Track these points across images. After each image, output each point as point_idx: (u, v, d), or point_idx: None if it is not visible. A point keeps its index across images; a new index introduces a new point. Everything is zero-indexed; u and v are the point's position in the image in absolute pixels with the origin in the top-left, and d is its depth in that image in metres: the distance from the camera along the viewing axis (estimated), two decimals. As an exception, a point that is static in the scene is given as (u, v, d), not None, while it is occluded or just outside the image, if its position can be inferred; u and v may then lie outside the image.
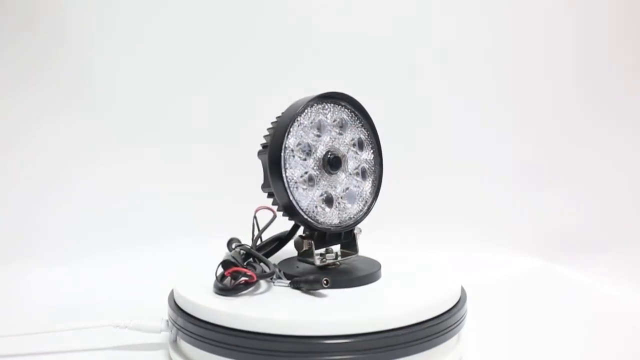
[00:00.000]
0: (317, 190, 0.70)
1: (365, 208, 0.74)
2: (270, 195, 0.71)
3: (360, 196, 0.74)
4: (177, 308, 0.67)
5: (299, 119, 0.69)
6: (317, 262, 0.70)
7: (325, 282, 0.63)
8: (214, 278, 0.67)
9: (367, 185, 0.74)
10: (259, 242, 0.76)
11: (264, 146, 0.70)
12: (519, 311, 0.88)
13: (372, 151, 0.75)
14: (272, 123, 0.71)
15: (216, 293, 0.65)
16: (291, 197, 0.68)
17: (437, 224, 1.09)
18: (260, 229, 0.75)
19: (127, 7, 1.09)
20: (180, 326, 0.66)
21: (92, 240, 1.05)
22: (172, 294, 0.70)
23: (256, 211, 0.73)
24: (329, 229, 0.71)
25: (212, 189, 1.10)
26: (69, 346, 0.73)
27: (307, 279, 0.65)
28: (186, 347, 0.67)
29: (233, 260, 0.68)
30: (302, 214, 0.69)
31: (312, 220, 0.69)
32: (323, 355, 0.59)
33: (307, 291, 0.65)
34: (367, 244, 0.76)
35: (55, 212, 1.07)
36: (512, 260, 1.05)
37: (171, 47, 1.11)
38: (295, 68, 1.11)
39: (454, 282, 0.70)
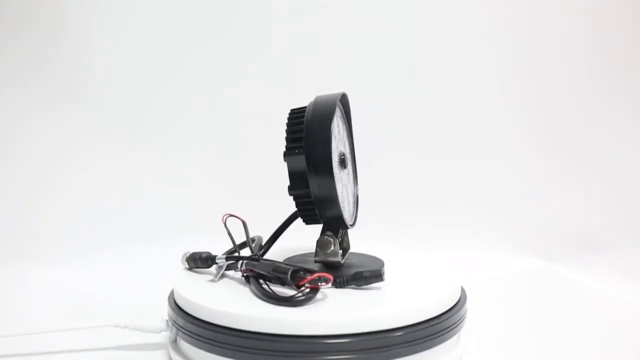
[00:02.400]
0: (341, 188, 0.71)
1: (356, 205, 0.76)
2: (297, 197, 0.68)
3: (352, 194, 0.76)
4: (177, 308, 0.67)
5: (333, 117, 0.69)
6: (342, 260, 0.71)
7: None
8: (259, 291, 0.64)
9: (351, 183, 0.76)
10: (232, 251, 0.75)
11: (296, 147, 0.67)
12: (519, 311, 0.88)
13: (349, 149, 0.77)
14: (291, 125, 0.68)
15: (285, 306, 0.62)
16: (340, 196, 0.67)
17: (437, 223, 1.09)
18: (246, 238, 0.74)
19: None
20: (180, 326, 0.65)
21: (92, 240, 1.05)
22: (172, 294, 0.70)
23: (225, 220, 0.71)
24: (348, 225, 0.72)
25: (212, 189, 1.10)
26: (69, 346, 0.73)
27: (362, 275, 0.65)
28: (186, 347, 0.67)
29: (298, 267, 0.65)
30: (343, 212, 0.69)
31: (345, 218, 0.70)
32: (323, 355, 0.59)
33: (358, 287, 0.65)
34: (366, 243, 0.76)
35: (56, 212, 1.07)
36: (512, 260, 1.05)
37: (171, 43, 1.11)
38: (295, 67, 1.11)
39: (454, 282, 0.70)
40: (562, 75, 1.10)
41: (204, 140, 1.12)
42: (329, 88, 0.73)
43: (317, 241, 0.69)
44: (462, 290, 0.70)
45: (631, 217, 1.04)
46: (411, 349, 0.61)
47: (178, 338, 0.68)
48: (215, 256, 0.73)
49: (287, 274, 0.63)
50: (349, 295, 0.65)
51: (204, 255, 0.74)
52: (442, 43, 1.11)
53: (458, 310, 0.66)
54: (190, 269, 0.75)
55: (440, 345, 0.63)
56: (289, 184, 0.68)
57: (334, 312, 0.61)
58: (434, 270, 0.75)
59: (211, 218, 1.06)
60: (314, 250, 0.71)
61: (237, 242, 0.74)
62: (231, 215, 0.71)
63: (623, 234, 1.03)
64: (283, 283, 0.65)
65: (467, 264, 1.00)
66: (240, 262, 0.69)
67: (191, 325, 0.63)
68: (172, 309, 0.67)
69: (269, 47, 1.12)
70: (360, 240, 0.76)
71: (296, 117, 0.69)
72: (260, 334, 0.59)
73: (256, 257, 0.71)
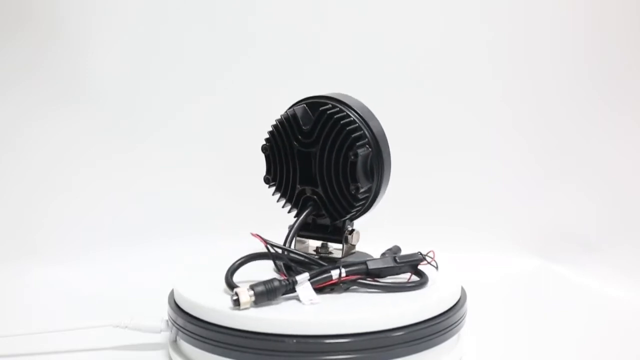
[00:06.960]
0: None
1: None
2: (365, 192, 0.70)
3: None
4: (177, 308, 0.67)
5: None
6: None
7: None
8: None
9: None
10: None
11: (365, 144, 0.70)
12: (519, 311, 0.88)
13: None
14: (347, 125, 0.69)
15: (417, 289, 0.66)
16: None
17: (437, 223, 1.09)
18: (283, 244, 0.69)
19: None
20: (180, 326, 0.66)
21: (92, 239, 1.05)
22: (172, 294, 0.70)
23: (259, 237, 0.66)
24: None
25: (213, 188, 1.10)
26: (69, 346, 0.73)
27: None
28: (186, 347, 0.67)
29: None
30: None
31: None
32: (323, 355, 0.59)
33: None
34: (365, 243, 0.76)
35: (55, 211, 1.07)
36: (512, 260, 1.05)
37: (171, 41, 1.11)
38: (295, 66, 1.11)
39: (454, 282, 0.70)
40: (563, 75, 1.09)
41: (204, 139, 1.12)
42: (328, 85, 0.73)
43: (350, 236, 0.72)
44: (462, 290, 0.70)
45: (631, 217, 1.03)
46: (411, 348, 0.61)
47: (178, 338, 0.68)
48: (292, 280, 0.63)
49: (419, 260, 0.67)
50: (348, 295, 0.65)
51: (275, 283, 0.61)
52: (441, 41, 1.11)
53: (458, 310, 0.66)
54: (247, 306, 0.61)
55: (440, 345, 0.64)
56: (356, 181, 0.69)
57: (334, 312, 0.61)
58: (434, 270, 0.75)
59: (212, 218, 1.07)
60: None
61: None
62: (259, 237, 0.66)
63: (623, 234, 1.03)
64: (397, 272, 0.67)
65: (467, 264, 1.00)
66: (338, 271, 0.64)
67: (191, 325, 0.64)
68: (172, 309, 0.68)
69: (269, 45, 1.11)
70: (360, 240, 0.76)
71: (343, 117, 0.69)
72: (261, 334, 0.59)
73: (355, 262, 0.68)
